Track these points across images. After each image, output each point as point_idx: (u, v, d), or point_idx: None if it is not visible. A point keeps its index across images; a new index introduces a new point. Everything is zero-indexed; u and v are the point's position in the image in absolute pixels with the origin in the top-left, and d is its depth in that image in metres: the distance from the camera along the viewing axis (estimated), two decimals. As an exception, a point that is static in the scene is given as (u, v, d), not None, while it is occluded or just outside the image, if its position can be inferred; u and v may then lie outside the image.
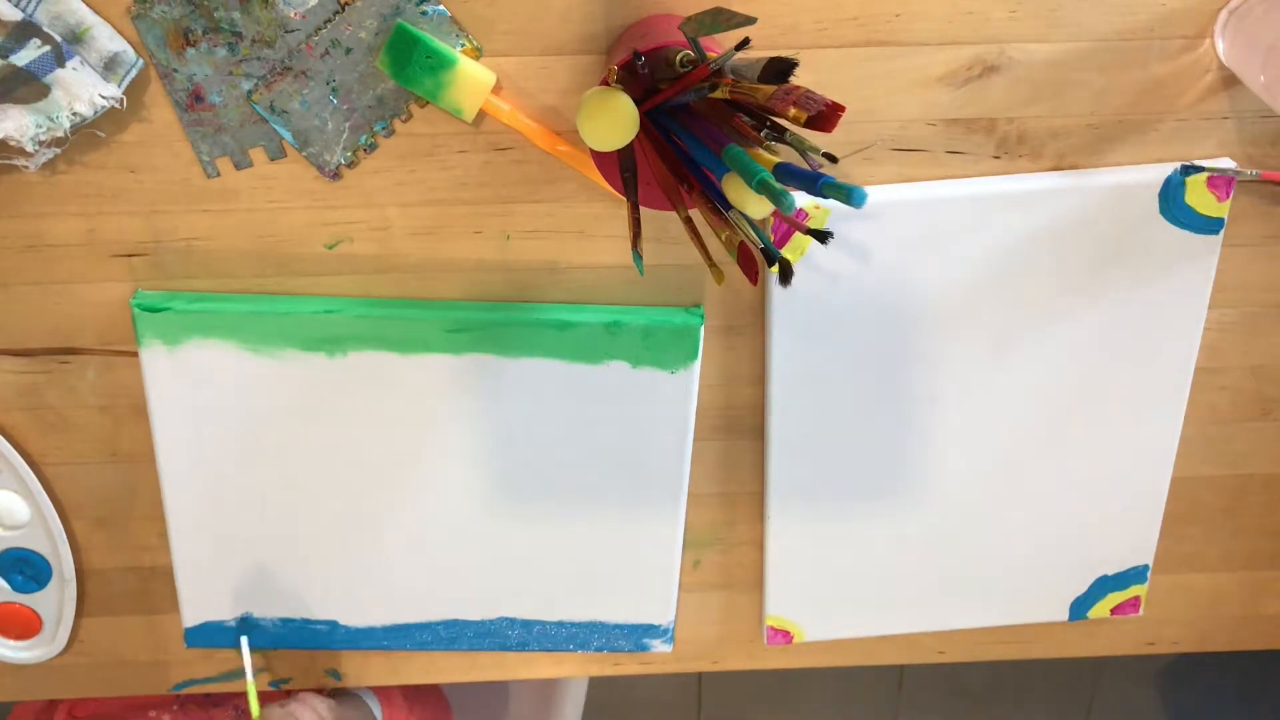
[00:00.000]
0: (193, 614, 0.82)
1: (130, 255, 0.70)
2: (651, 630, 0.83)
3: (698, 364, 0.72)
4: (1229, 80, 0.66)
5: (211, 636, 0.83)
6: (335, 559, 0.80)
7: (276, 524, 0.78)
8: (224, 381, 0.72)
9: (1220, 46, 0.65)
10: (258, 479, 0.76)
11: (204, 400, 0.73)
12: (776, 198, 0.50)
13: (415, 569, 0.80)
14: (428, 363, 0.72)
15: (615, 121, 0.56)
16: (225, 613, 0.82)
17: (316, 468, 0.76)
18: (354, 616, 0.82)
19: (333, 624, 0.83)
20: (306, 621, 0.82)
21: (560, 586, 0.81)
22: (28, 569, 0.81)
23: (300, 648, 0.84)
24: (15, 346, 0.73)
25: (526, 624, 0.83)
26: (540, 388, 0.73)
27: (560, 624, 0.83)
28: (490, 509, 0.78)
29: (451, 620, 0.83)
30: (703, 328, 0.71)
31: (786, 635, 0.84)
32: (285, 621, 0.82)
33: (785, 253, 0.69)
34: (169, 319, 0.70)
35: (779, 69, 0.53)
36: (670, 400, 0.73)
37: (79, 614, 0.84)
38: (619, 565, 0.80)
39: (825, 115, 0.49)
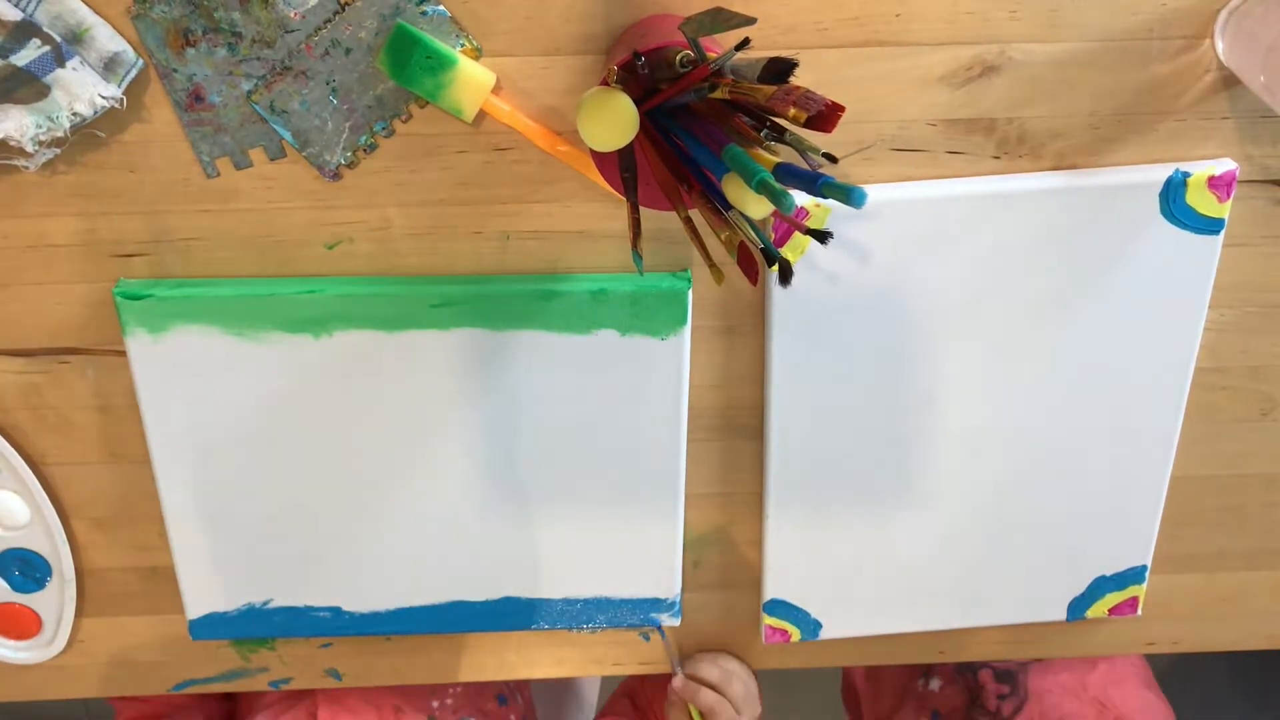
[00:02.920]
0: (195, 606, 0.81)
1: (130, 255, 0.70)
2: (658, 604, 0.83)
3: (687, 329, 0.71)
4: (1229, 80, 0.66)
5: (215, 628, 0.82)
6: (334, 543, 0.79)
7: (273, 510, 0.77)
8: (211, 367, 0.71)
9: (1220, 46, 0.65)
10: (252, 465, 0.76)
11: (193, 387, 0.72)
12: (776, 198, 0.50)
13: (415, 551, 0.79)
14: (415, 339, 0.71)
15: (615, 121, 0.56)
16: (228, 603, 0.81)
17: (310, 450, 0.75)
18: (357, 602, 0.81)
19: (336, 610, 0.82)
20: (309, 608, 0.82)
21: (563, 563, 0.80)
22: (28, 569, 0.81)
23: (305, 635, 0.83)
24: (15, 346, 0.73)
25: (531, 603, 0.82)
26: (530, 360, 0.72)
27: (566, 601, 0.82)
28: (488, 486, 0.77)
29: (455, 602, 0.82)
30: (689, 292, 0.70)
31: (785, 634, 0.84)
32: (288, 610, 0.82)
33: (785, 252, 0.69)
34: (151, 306, 0.69)
35: (779, 69, 0.53)
36: (662, 367, 0.72)
37: (79, 614, 0.84)
38: (621, 538, 0.79)
39: (825, 115, 0.49)
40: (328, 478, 0.76)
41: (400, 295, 0.70)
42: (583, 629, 0.84)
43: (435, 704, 0.94)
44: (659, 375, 0.73)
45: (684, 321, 0.71)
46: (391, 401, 0.74)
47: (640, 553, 0.80)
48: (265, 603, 0.81)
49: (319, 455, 0.75)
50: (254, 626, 0.82)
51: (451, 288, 0.70)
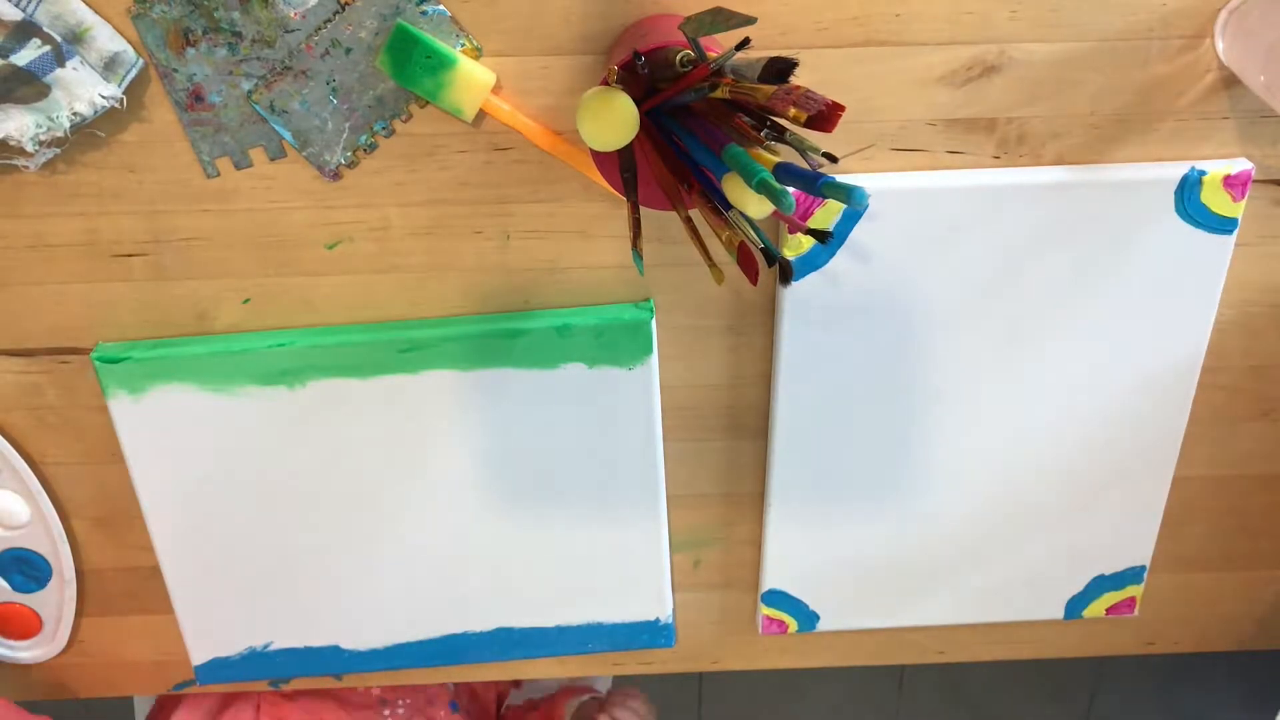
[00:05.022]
0: (199, 652, 0.83)
1: (130, 255, 0.70)
2: (651, 626, 0.83)
3: (654, 358, 0.72)
4: (1229, 80, 0.66)
5: (220, 673, 0.84)
6: (328, 584, 0.80)
7: (266, 556, 0.79)
8: (192, 423, 0.73)
9: (1220, 46, 0.65)
10: (241, 514, 0.77)
11: (176, 443, 0.74)
12: (776, 198, 0.50)
13: (406, 587, 0.81)
14: (387, 384, 0.72)
15: (615, 121, 0.56)
16: (229, 648, 0.83)
17: (296, 497, 0.76)
18: (355, 640, 0.83)
19: (335, 649, 0.83)
20: (310, 649, 0.83)
21: (554, 592, 0.81)
22: (28, 569, 0.81)
23: (307, 675, 0.85)
24: (15, 346, 0.73)
25: (525, 632, 0.83)
26: (502, 397, 0.73)
27: (560, 629, 0.83)
28: (473, 521, 0.78)
29: (450, 635, 0.83)
30: (653, 322, 0.71)
31: (782, 625, 0.84)
32: (289, 651, 0.83)
33: (786, 250, 0.69)
34: (129, 368, 0.71)
35: (779, 69, 0.53)
36: (631, 396, 0.73)
37: (79, 614, 0.84)
38: (608, 564, 0.80)
39: (825, 115, 0.49)
40: (315, 522, 0.77)
41: (369, 342, 0.71)
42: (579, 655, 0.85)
43: (386, 713, 0.94)
44: (629, 404, 0.73)
45: (649, 351, 0.71)
46: (370, 446, 0.74)
47: (628, 576, 0.81)
48: (266, 645, 0.83)
49: (305, 501, 0.76)
50: (257, 669, 0.84)
51: (418, 332, 0.71)
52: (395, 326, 0.72)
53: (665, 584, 0.82)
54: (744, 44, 0.51)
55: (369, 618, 0.82)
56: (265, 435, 0.74)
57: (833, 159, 0.58)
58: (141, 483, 0.75)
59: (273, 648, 0.83)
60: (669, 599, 0.82)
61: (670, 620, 0.83)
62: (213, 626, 0.81)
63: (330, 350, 0.71)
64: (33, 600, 0.83)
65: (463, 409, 0.73)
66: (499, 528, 0.78)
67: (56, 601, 0.83)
